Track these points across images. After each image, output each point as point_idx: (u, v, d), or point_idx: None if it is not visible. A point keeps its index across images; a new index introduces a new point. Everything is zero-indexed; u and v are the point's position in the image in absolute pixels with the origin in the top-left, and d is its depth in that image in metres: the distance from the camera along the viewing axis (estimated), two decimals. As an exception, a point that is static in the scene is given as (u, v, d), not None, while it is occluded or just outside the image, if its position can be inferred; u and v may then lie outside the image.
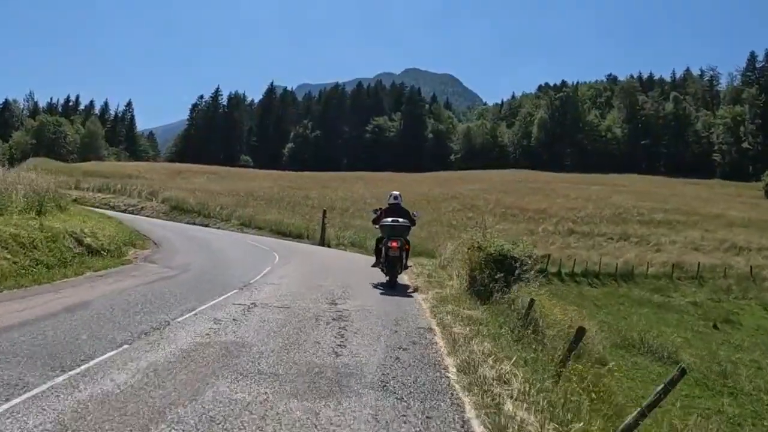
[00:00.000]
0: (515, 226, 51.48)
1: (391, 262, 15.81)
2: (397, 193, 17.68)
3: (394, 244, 15.74)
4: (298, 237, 32.33)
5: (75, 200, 31.92)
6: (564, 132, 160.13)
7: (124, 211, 37.06)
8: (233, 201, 41.49)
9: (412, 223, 16.66)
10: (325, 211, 32.77)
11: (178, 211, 37.81)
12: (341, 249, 29.12)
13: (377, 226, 16.98)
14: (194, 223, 35.50)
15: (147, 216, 36.71)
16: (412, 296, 14.25)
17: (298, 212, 42.33)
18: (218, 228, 34.17)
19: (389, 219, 16.13)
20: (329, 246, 29.72)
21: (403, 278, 17.19)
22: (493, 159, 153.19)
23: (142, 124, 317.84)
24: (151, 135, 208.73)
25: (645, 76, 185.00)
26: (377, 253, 17.02)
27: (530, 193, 75.97)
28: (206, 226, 35.26)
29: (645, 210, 65.96)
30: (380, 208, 17.56)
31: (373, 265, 17.28)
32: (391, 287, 15.55)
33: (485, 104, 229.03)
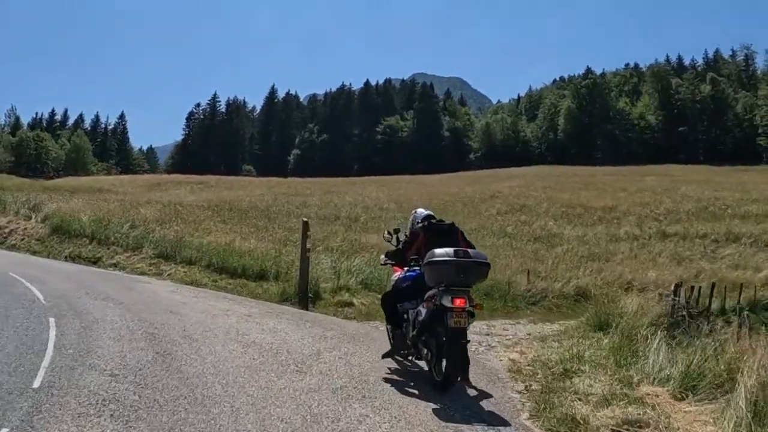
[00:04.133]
0: (589, 230, 41.33)
1: (455, 345, 7.32)
2: (429, 211, 9.52)
3: (460, 301, 7.40)
4: (259, 278, 17.61)
5: None
6: (593, 122, 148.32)
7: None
8: (160, 215, 26.97)
9: None
10: (306, 224, 16.53)
11: (61, 234, 23.48)
12: (340, 312, 14.67)
13: (393, 265, 9.28)
14: (75, 258, 21.23)
15: (6, 249, 23.41)
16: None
17: (283, 226, 28.10)
18: (108, 268, 19.87)
19: (443, 250, 7.59)
20: (314, 301, 15.09)
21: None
22: (516, 155, 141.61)
23: (154, 143, 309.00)
24: (150, 150, 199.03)
25: (673, 59, 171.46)
26: (393, 321, 8.69)
27: (581, 189, 63.93)
28: (94, 262, 20.72)
29: (731, 202, 54.05)
30: (397, 234, 9.78)
31: (387, 354, 8.72)
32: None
33: (498, 103, 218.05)
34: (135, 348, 8.48)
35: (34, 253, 22.64)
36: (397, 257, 8.93)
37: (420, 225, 8.87)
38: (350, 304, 15.18)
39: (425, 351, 7.94)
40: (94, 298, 12.27)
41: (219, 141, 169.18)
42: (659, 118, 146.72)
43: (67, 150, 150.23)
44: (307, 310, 14.20)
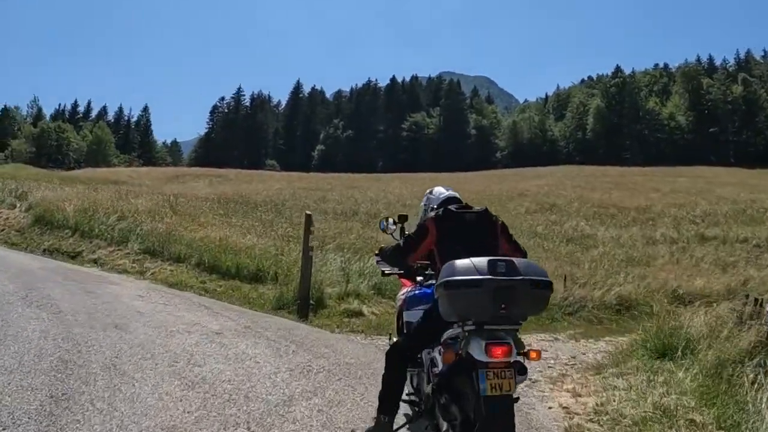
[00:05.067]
0: (624, 231, 38.11)
1: (493, 425, 4.27)
2: (451, 192, 6.07)
3: (501, 351, 4.37)
4: (255, 280, 15.39)
5: None
6: (622, 122, 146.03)
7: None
8: (153, 206, 24.53)
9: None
10: (309, 218, 13.73)
11: (43, 225, 21.35)
12: (345, 323, 11.91)
13: (393, 274, 6.34)
14: (54, 252, 18.98)
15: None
16: None
17: (290, 221, 25.58)
18: (86, 264, 17.50)
19: (469, 262, 4.45)
20: (316, 309, 12.39)
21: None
22: (543, 155, 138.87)
23: (179, 137, 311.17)
24: (174, 143, 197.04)
25: (704, 59, 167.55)
26: (391, 381, 5.26)
27: (612, 188, 61.82)
28: (73, 257, 18.44)
29: (769, 204, 50.96)
30: (403, 223, 6.63)
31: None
32: None
33: (525, 102, 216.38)
34: (24, 386, 5.97)
35: (12, 245, 20.15)
36: (395, 259, 5.75)
37: (433, 213, 5.51)
38: (358, 314, 12.55)
39: (444, 426, 4.86)
40: (28, 305, 9.79)
41: (242, 135, 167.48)
42: (689, 119, 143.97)
43: (89, 142, 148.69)
44: (306, 319, 11.69)
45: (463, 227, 5.28)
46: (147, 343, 8.11)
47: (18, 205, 24.69)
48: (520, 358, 4.50)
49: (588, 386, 7.87)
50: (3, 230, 22.26)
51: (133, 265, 16.88)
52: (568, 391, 7.69)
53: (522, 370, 4.48)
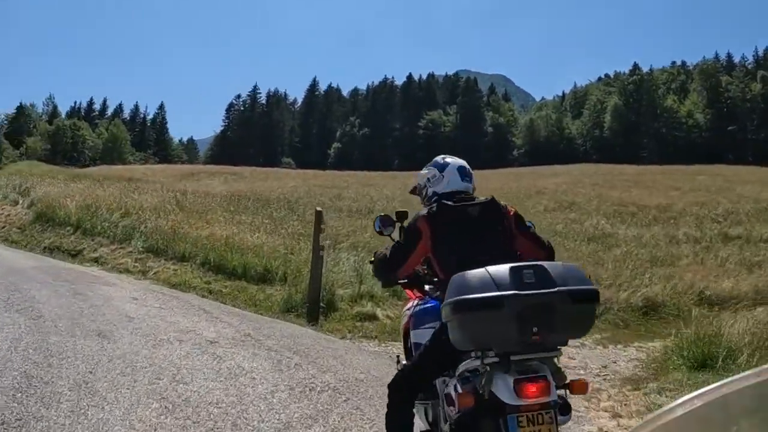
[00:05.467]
0: (646, 230, 36.40)
1: None
2: (463, 163, 4.66)
3: (534, 389, 3.27)
4: (262, 281, 14.62)
5: None
6: (640, 120, 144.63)
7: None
8: (159, 202, 23.77)
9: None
10: (319, 214, 12.78)
11: (44, 222, 20.68)
12: (358, 328, 11.01)
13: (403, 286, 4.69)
14: (54, 250, 18.17)
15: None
16: None
17: (303, 218, 24.80)
18: (86, 263, 16.71)
19: (482, 273, 3.36)
20: (327, 312, 11.54)
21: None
22: (559, 153, 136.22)
23: (196, 135, 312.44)
24: (191, 141, 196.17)
25: (722, 57, 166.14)
26: (395, 421, 4.11)
27: (631, 186, 60.17)
28: (74, 255, 17.67)
29: (793, 203, 49.99)
30: (402, 221, 4.74)
31: None
32: None
33: (542, 100, 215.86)
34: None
35: (12, 243, 19.53)
36: (381, 274, 4.56)
37: (425, 210, 4.31)
38: (372, 317, 11.63)
39: None
40: (7, 309, 8.91)
41: (258, 133, 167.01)
42: (708, 117, 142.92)
43: (104, 139, 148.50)
44: (316, 323, 10.89)
45: (466, 224, 4.22)
46: (130, 354, 7.22)
47: (21, 201, 24.25)
48: (561, 392, 3.51)
49: (628, 404, 7.03)
50: (4, 227, 21.67)
51: (136, 264, 16.18)
52: (606, 411, 6.80)
53: (565, 409, 3.51)
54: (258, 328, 9.47)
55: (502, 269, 3.34)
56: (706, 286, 22.47)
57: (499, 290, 3.23)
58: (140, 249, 17.12)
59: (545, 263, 3.49)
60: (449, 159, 4.65)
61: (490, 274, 3.31)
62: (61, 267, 14.73)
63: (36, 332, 7.82)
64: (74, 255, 17.53)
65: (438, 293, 4.25)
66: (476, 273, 3.36)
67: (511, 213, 4.34)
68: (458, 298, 3.29)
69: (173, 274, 14.89)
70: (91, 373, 6.34)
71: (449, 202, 4.25)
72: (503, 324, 3.22)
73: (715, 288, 22.39)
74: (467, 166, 4.63)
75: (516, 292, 3.23)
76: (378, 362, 8.24)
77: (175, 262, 15.93)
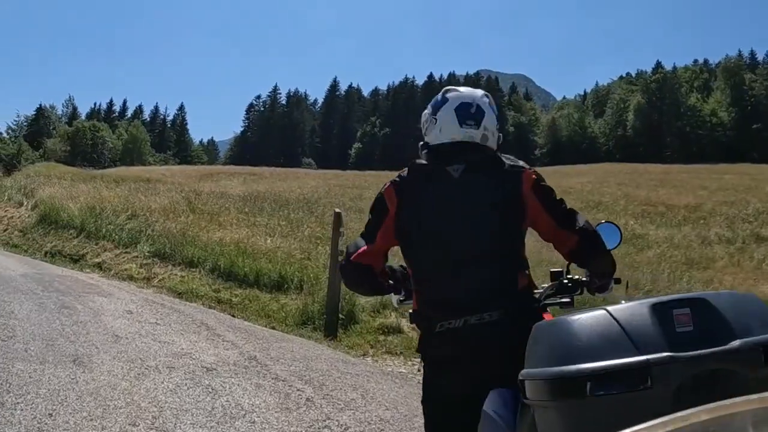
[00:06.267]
0: (676, 231, 35.94)
1: None
2: (469, 97, 3.14)
3: None
4: (276, 289, 13.47)
5: None
6: (663, 119, 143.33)
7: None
8: (169, 203, 22.64)
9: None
10: (338, 216, 11.69)
11: (47, 225, 19.64)
12: (381, 343, 9.76)
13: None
14: (56, 254, 17.16)
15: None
16: None
17: (321, 220, 23.57)
18: (88, 269, 15.55)
19: (601, 317, 2.00)
20: (347, 324, 10.25)
21: None
22: (582, 152, 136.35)
23: (217, 136, 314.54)
24: (211, 142, 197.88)
25: (745, 54, 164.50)
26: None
27: (658, 186, 59.24)
28: (76, 261, 16.60)
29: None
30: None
31: None
32: None
33: (564, 99, 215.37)
34: None
35: (13, 247, 18.56)
36: (347, 273, 3.07)
37: (397, 174, 3.12)
38: (396, 330, 10.42)
39: None
40: (-26, 328, 7.67)
41: (279, 134, 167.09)
42: (731, 115, 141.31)
43: (124, 141, 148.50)
44: (334, 337, 9.78)
45: (445, 196, 2.88)
46: (105, 388, 5.95)
47: (25, 202, 23.15)
48: None
49: None
50: (6, 230, 20.75)
51: (140, 270, 15.17)
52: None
53: None
54: (266, 349, 8.24)
55: (636, 310, 2.06)
56: (747, 291, 21.24)
57: (639, 351, 1.95)
58: (146, 253, 16.05)
59: (707, 295, 2.14)
60: (452, 93, 3.27)
61: (618, 321, 2.02)
62: (56, 275, 13.59)
63: (0, 358, 6.61)
64: (76, 260, 16.61)
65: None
66: (591, 318, 2.08)
67: (532, 179, 2.97)
68: (564, 370, 2.00)
69: (180, 282, 13.93)
70: (50, 416, 5.08)
71: (422, 161, 3.03)
72: (647, 410, 1.89)
73: (755, 292, 21.14)
74: (476, 101, 3.16)
75: (671, 354, 1.93)
76: (406, 392, 6.88)
77: (182, 267, 14.92)
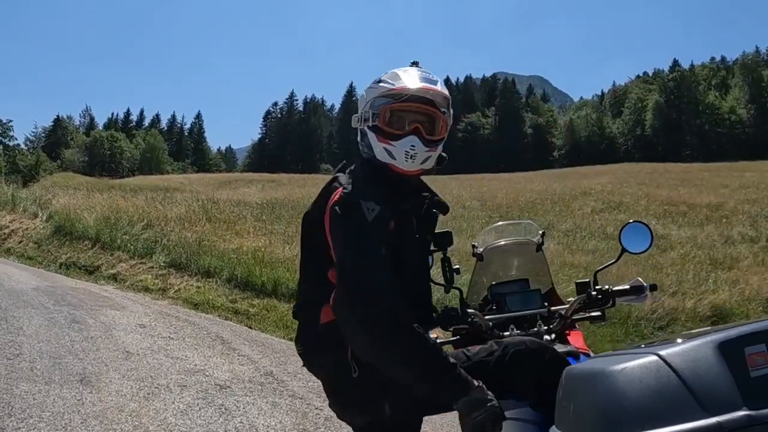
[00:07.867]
0: (698, 230, 34.50)
1: None
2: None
3: None
4: (294, 299, 12.98)
5: None
6: (681, 117, 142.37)
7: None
8: (185, 212, 22.24)
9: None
10: None
11: (62, 236, 19.21)
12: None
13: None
14: (70, 266, 16.67)
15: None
16: None
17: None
18: (103, 281, 15.19)
19: (679, 359, 1.52)
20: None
21: None
22: (600, 153, 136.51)
23: (234, 144, 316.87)
24: (229, 150, 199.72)
25: (763, 50, 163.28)
26: None
27: (678, 185, 58.22)
28: (91, 272, 16.11)
29: None
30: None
31: None
32: None
33: (581, 100, 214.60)
34: None
35: (28, 259, 18.15)
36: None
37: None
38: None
39: None
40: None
41: (296, 140, 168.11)
42: (751, 112, 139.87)
43: (142, 150, 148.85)
44: None
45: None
46: (112, 410, 5.68)
47: (40, 214, 22.65)
48: None
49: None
50: (21, 242, 20.31)
51: (156, 281, 14.83)
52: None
53: None
54: (283, 363, 7.91)
55: (696, 352, 1.67)
56: (774, 289, 21.00)
57: (707, 411, 1.57)
58: (162, 264, 15.69)
59: None
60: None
61: (675, 371, 1.64)
62: (69, 287, 13.29)
63: (4, 377, 6.35)
64: (91, 272, 16.22)
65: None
66: (640, 367, 1.70)
67: (334, 199, 2.60)
68: None
69: (196, 292, 13.66)
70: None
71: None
72: None
73: (783, 293, 20.90)
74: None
75: (748, 413, 1.54)
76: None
77: (198, 278, 14.59)
